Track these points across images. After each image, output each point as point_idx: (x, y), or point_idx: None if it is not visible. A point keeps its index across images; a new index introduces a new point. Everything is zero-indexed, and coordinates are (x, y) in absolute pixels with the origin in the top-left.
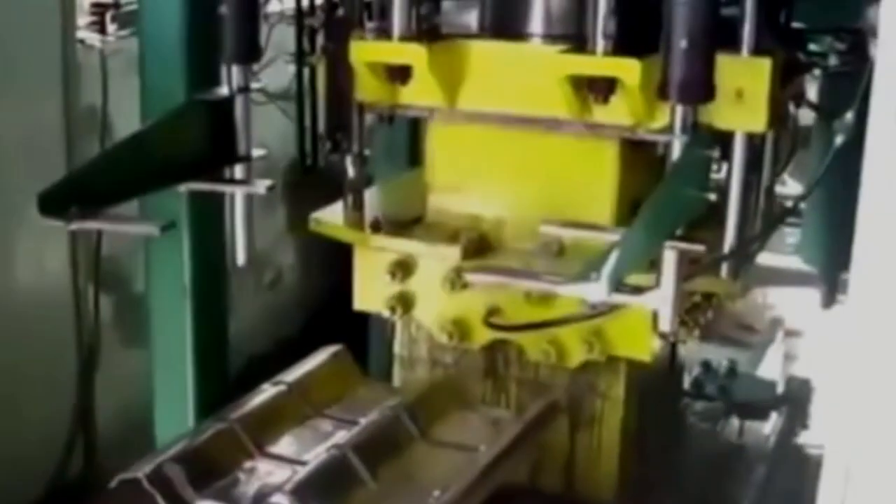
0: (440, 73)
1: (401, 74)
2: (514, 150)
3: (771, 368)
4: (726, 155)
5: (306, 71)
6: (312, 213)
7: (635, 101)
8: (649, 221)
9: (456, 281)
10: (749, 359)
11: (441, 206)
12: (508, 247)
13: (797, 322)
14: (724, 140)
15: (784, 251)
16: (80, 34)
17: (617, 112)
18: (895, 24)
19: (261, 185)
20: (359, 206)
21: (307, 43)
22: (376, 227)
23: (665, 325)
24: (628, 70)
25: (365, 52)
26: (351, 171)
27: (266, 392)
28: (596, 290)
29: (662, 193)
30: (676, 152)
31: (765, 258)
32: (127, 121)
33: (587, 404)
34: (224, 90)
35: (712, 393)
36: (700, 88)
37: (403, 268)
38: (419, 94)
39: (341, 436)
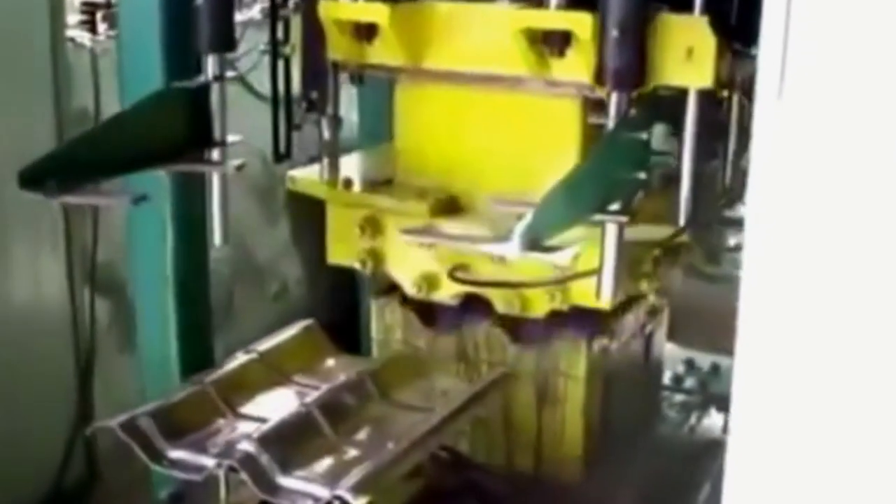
0: (404, 31)
1: (367, 33)
2: (478, 109)
3: None
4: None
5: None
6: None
7: (590, 56)
8: (570, 188)
9: None
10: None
11: (410, 166)
12: (476, 206)
13: None
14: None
15: None
16: (71, 33)
17: (575, 68)
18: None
19: (231, 166)
20: (334, 165)
21: (281, 34)
22: (348, 185)
23: (606, 293)
24: (580, 23)
25: (332, 10)
26: (326, 132)
27: (238, 359)
28: (510, 248)
29: (587, 165)
30: None
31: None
32: None
33: (551, 384)
34: (201, 79)
35: (693, 387)
36: (633, 76)
37: (374, 224)
38: (385, 52)
39: (308, 398)
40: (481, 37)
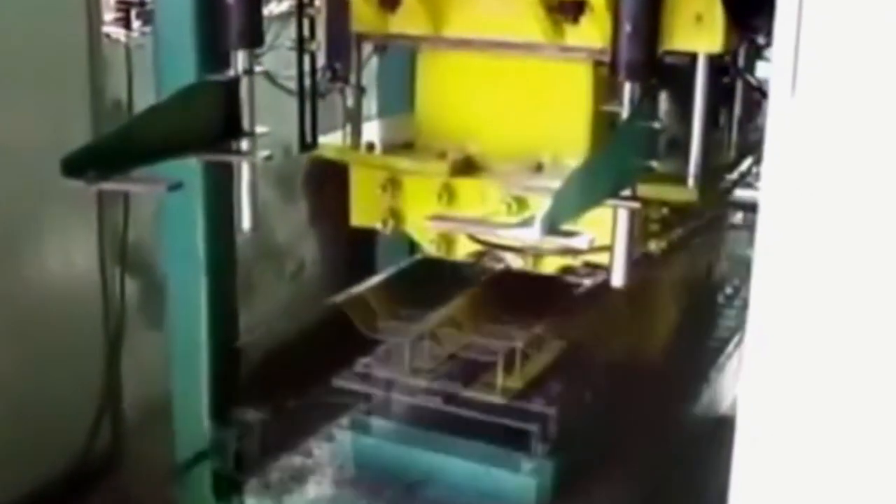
0: (426, 1)
1: (390, 2)
2: (495, 75)
3: None
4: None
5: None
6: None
7: (604, 23)
8: (586, 176)
9: (444, 195)
10: None
11: (429, 131)
12: (492, 166)
13: None
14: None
15: None
16: (106, 29)
17: (588, 35)
18: None
19: (260, 157)
20: (356, 131)
21: (307, 30)
22: (370, 149)
23: (618, 277)
24: None
25: None
26: (349, 100)
27: None
28: (531, 233)
29: (602, 153)
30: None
31: None
32: None
33: None
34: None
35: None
36: (646, 68)
37: (395, 185)
38: (407, 22)
39: None
40: (499, 4)
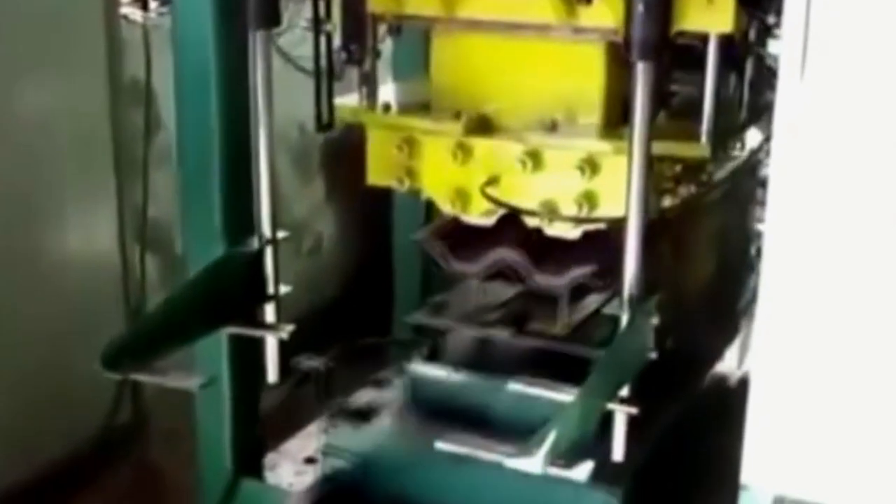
0: None
1: None
2: (509, 54)
3: None
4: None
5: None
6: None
7: (616, 4)
8: (585, 401)
9: (458, 154)
10: None
11: (445, 92)
12: (507, 124)
13: None
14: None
15: None
16: (124, 10)
17: (601, 16)
18: None
19: (286, 329)
20: (372, 92)
21: (323, 11)
22: (387, 110)
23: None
24: None
25: None
26: (367, 65)
27: None
28: (533, 464)
29: (606, 361)
30: (639, 110)
31: None
32: (169, 91)
33: None
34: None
35: None
36: (658, 47)
37: (410, 145)
38: (422, 3)
39: None
40: None
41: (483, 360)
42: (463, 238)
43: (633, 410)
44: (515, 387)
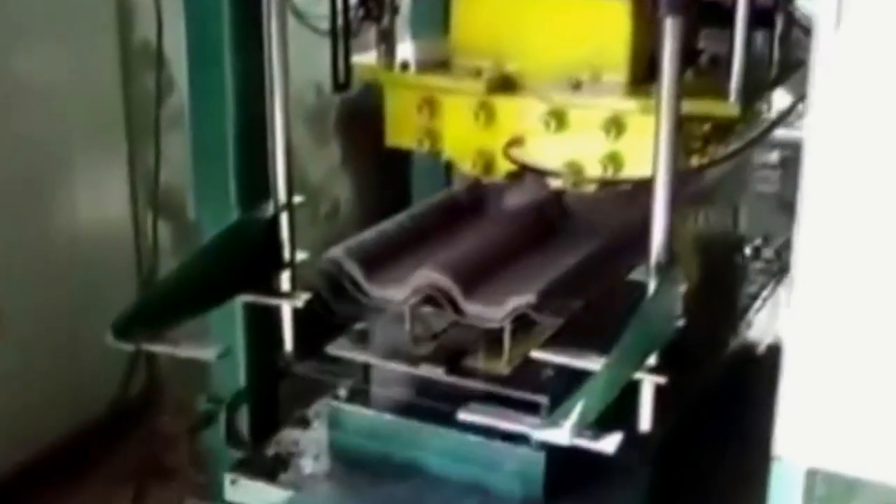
0: None
1: None
2: (532, 12)
3: None
4: None
5: None
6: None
7: None
8: (616, 362)
9: (481, 114)
10: None
11: (465, 50)
12: (530, 83)
13: None
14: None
15: None
16: None
17: None
18: None
19: (302, 298)
20: (390, 50)
21: None
22: (405, 68)
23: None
24: None
25: None
26: (385, 22)
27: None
28: (560, 436)
29: (631, 331)
30: (667, 67)
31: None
32: (181, 54)
33: None
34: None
35: (770, 257)
36: (687, 2)
37: (431, 104)
38: None
39: None
40: None
41: (417, 400)
42: (386, 256)
43: (662, 380)
44: (450, 434)
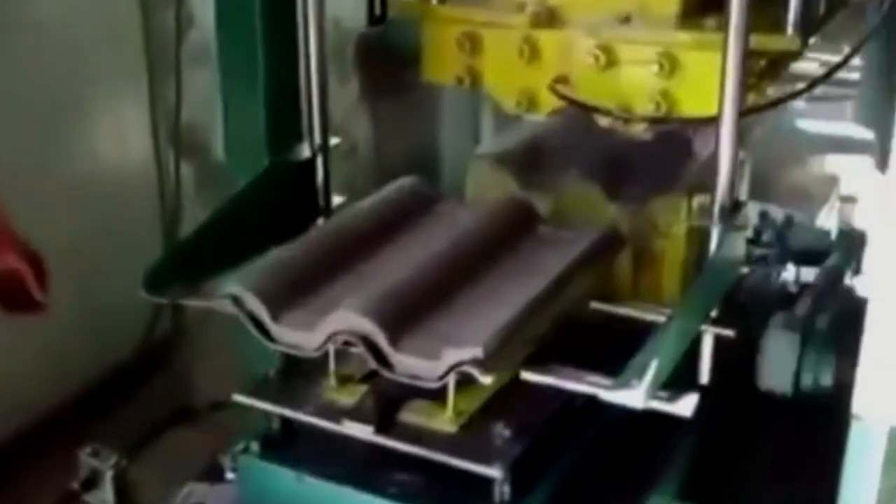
0: None
1: None
2: None
3: (826, 223)
4: None
5: None
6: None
7: None
8: (685, 314)
9: (525, 50)
10: (805, 215)
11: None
12: (575, 18)
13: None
14: None
15: None
16: None
17: None
18: None
19: None
20: None
21: None
22: (443, 1)
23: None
24: None
25: None
26: None
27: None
28: (636, 398)
29: (698, 281)
30: None
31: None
32: None
33: (649, 243)
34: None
35: (770, 240)
36: None
37: (471, 39)
38: None
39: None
40: None
41: (341, 457)
42: (300, 286)
43: (730, 332)
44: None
